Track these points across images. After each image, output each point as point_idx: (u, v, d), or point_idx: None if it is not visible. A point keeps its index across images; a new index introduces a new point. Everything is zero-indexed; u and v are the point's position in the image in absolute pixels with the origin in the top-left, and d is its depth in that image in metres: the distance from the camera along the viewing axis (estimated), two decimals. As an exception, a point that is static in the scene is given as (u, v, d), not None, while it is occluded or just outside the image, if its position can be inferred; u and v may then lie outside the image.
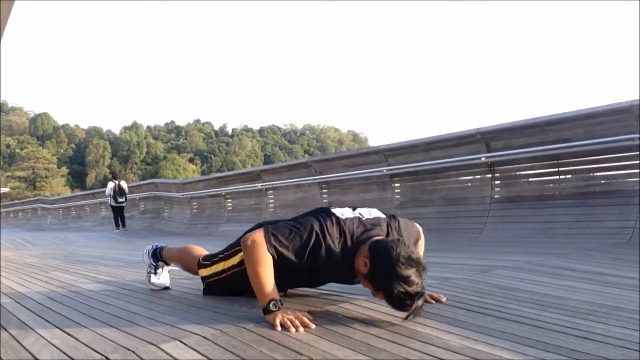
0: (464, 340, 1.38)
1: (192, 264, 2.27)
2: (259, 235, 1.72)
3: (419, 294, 1.56)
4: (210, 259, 2.17)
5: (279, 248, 1.71)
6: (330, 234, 1.71)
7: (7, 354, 1.44)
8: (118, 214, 11.16)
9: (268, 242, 1.71)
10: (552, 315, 1.62)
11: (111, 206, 11.23)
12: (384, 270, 1.58)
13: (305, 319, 1.58)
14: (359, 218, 1.80)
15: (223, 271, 2.09)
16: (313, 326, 1.56)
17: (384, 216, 1.89)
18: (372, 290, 1.67)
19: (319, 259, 1.71)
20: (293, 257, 1.72)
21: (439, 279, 2.33)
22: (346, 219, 1.77)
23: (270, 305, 1.64)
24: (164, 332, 1.58)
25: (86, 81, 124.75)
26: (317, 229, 1.71)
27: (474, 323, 1.56)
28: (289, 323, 1.56)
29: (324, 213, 1.80)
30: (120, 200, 11.01)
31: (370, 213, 1.86)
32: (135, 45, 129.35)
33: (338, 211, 1.81)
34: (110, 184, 11.14)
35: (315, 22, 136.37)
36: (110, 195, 11.03)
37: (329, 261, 1.71)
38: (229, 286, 2.10)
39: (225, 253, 2.10)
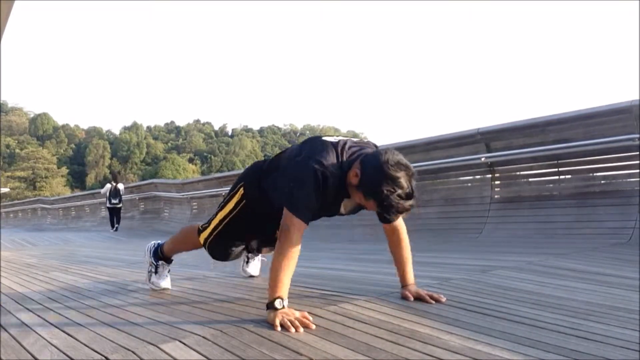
0: (464, 340, 1.38)
1: (193, 238, 2.23)
2: (297, 223, 1.70)
3: (408, 195, 1.60)
4: (208, 220, 2.17)
5: (308, 212, 1.72)
6: (329, 160, 1.72)
7: (7, 354, 1.44)
8: (114, 214, 11.36)
9: (297, 213, 1.70)
10: (552, 316, 1.62)
11: (107, 207, 11.46)
12: (373, 175, 1.62)
13: (305, 319, 1.58)
14: (350, 139, 1.84)
15: (221, 221, 2.10)
16: (313, 326, 1.56)
17: (372, 142, 1.93)
18: (363, 200, 1.69)
19: (328, 189, 1.73)
20: (318, 205, 1.74)
21: (439, 279, 2.33)
22: (339, 140, 1.81)
23: (276, 302, 1.64)
24: (164, 332, 1.58)
25: (86, 81, 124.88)
26: (320, 171, 1.69)
27: (474, 323, 1.56)
28: (288, 323, 1.56)
29: (317, 143, 1.81)
30: (114, 201, 11.24)
31: (359, 140, 1.90)
32: (135, 45, 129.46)
33: (329, 138, 1.83)
34: (108, 185, 11.41)
35: (315, 22, 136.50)
36: (106, 195, 11.27)
37: (333, 185, 1.72)
38: (231, 234, 2.10)
39: (221, 204, 2.13)
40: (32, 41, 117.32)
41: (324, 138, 1.84)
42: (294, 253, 1.71)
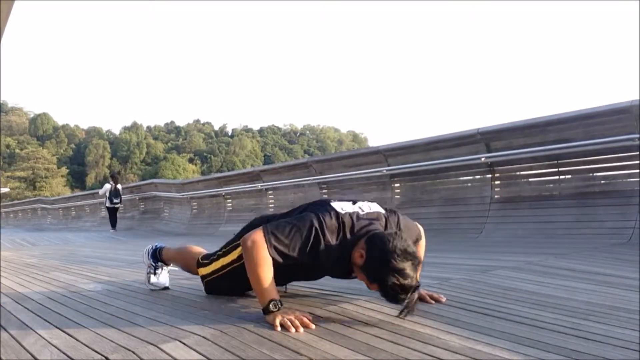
0: (464, 340, 1.38)
1: (191, 264, 2.27)
2: (258, 236, 1.71)
3: (413, 288, 1.56)
4: (209, 258, 2.17)
5: (280, 247, 1.70)
6: (330, 228, 1.71)
7: (7, 354, 1.44)
8: (114, 214, 11.40)
9: (268, 242, 1.70)
10: (552, 316, 1.62)
11: (107, 207, 11.46)
12: (379, 261, 1.59)
13: (305, 319, 1.58)
14: (357, 212, 1.79)
15: (222, 268, 2.09)
16: (313, 326, 1.56)
17: (383, 211, 1.89)
18: (367, 283, 1.68)
19: (318, 254, 1.71)
20: (294, 255, 1.71)
21: (439, 279, 2.33)
22: (345, 213, 1.77)
23: (270, 305, 1.64)
24: (164, 332, 1.57)
25: (86, 81, 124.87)
26: (317, 225, 1.70)
27: (474, 323, 1.56)
28: (288, 323, 1.56)
29: (323, 207, 1.79)
30: (115, 201, 11.28)
31: (370, 207, 1.86)
32: (135, 45, 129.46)
33: (337, 205, 1.80)
34: (107, 186, 11.41)
35: (315, 22, 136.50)
36: (106, 196, 11.27)
37: (327, 255, 1.72)
38: (230, 283, 2.10)
39: (224, 250, 2.11)
40: (32, 41, 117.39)
41: (332, 204, 1.81)
42: (260, 258, 1.68)
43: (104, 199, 11.46)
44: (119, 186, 11.52)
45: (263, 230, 1.73)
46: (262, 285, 1.67)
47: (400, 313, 1.58)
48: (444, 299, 1.86)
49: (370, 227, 1.74)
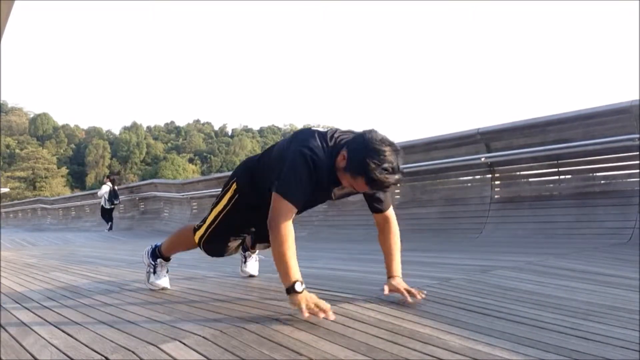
0: (464, 340, 1.38)
1: (188, 237, 2.25)
2: (278, 203, 1.72)
3: (394, 169, 1.62)
4: (203, 219, 2.19)
5: (297, 196, 1.73)
6: (317, 146, 1.74)
7: (7, 354, 1.44)
8: (109, 214, 11.65)
9: (287, 196, 1.71)
10: (552, 316, 1.62)
11: (105, 208, 11.70)
12: (359, 152, 1.64)
13: (327, 307, 1.61)
14: (338, 129, 1.86)
15: (215, 217, 2.11)
16: (333, 317, 1.58)
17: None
18: (352, 182, 1.70)
19: (318, 176, 1.75)
20: (309, 190, 1.75)
21: (439, 279, 2.33)
22: (327, 130, 1.84)
23: (296, 286, 1.65)
24: (164, 332, 1.57)
25: (86, 81, 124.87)
26: (310, 156, 1.72)
27: (474, 323, 1.56)
28: (316, 309, 1.59)
29: (306, 133, 1.84)
30: (116, 202, 11.61)
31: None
32: (135, 45, 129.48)
33: (318, 128, 1.87)
34: (106, 187, 11.66)
35: (315, 22, 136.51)
36: (105, 197, 11.51)
37: (323, 171, 1.74)
38: (226, 230, 2.12)
39: (214, 201, 2.15)
40: (32, 41, 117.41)
41: (312, 128, 1.87)
42: (289, 236, 1.70)
43: (102, 199, 11.62)
44: (116, 187, 11.80)
45: (277, 193, 1.73)
46: (287, 265, 1.68)
47: (378, 188, 1.67)
48: (420, 296, 1.82)
49: (348, 138, 1.79)
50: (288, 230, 1.70)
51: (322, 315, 1.57)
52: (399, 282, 1.89)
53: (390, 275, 1.92)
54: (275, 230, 1.71)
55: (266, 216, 1.79)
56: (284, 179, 1.75)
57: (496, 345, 1.34)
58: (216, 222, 2.12)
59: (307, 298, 1.63)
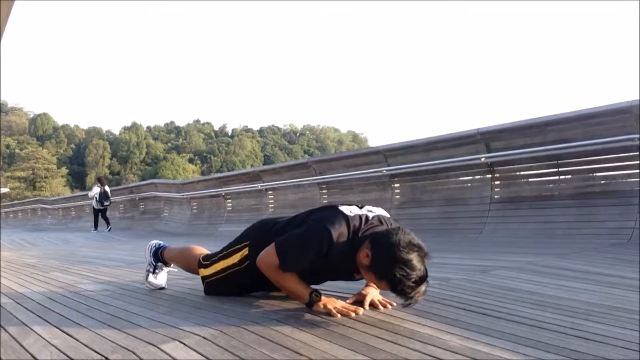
0: (464, 341, 1.38)
1: (192, 264, 2.27)
2: (272, 261, 1.77)
3: (421, 279, 1.57)
4: (210, 259, 2.17)
5: (293, 267, 1.77)
6: (341, 234, 1.70)
7: (7, 354, 1.44)
8: (102, 215, 11.84)
9: (283, 265, 1.75)
10: (552, 316, 1.62)
11: (96, 209, 11.90)
12: (385, 257, 1.59)
13: (352, 307, 1.69)
14: (366, 215, 1.80)
15: (223, 270, 2.10)
16: (353, 314, 1.66)
17: (388, 215, 1.90)
18: (376, 282, 1.69)
19: (329, 260, 1.73)
20: (307, 266, 1.76)
21: (439, 279, 2.33)
22: (354, 215, 1.77)
23: (312, 297, 1.72)
24: (164, 332, 1.57)
25: (86, 81, 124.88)
26: (327, 234, 1.69)
27: (474, 323, 1.56)
28: (345, 310, 1.66)
29: (332, 212, 1.79)
30: (106, 203, 11.80)
31: (375, 211, 1.87)
32: (135, 45, 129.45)
33: (346, 209, 1.80)
34: (96, 189, 11.86)
35: (315, 22, 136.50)
36: (96, 198, 11.72)
37: (337, 260, 1.73)
38: (230, 285, 2.11)
39: (225, 252, 2.11)
40: (32, 41, 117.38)
41: (340, 208, 1.81)
42: (280, 277, 1.80)
43: (93, 201, 11.86)
44: (107, 188, 11.98)
45: (276, 252, 1.76)
46: (295, 291, 1.79)
47: (407, 303, 1.60)
48: (390, 306, 1.80)
49: (376, 229, 1.74)
50: (281, 274, 1.78)
51: (352, 314, 1.64)
52: (371, 293, 1.83)
53: (366, 284, 1.89)
54: (269, 274, 1.81)
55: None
56: (291, 240, 1.78)
57: (496, 345, 1.34)
58: (222, 274, 2.11)
59: (329, 302, 1.70)
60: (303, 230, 1.78)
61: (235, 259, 2.05)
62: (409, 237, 1.60)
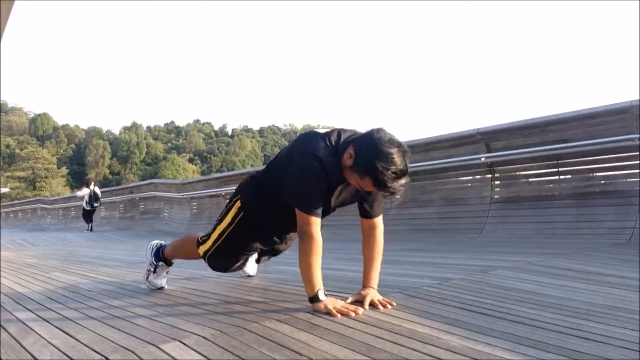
0: (464, 340, 1.38)
1: (191, 249, 2.25)
2: (302, 217, 1.76)
3: (402, 171, 1.63)
4: (207, 234, 2.18)
5: (316, 205, 1.75)
6: (324, 150, 1.74)
7: (7, 354, 1.44)
8: (89, 216, 12.05)
9: (309, 210, 1.74)
10: (552, 316, 1.62)
11: (85, 210, 12.10)
12: (366, 152, 1.64)
13: (352, 307, 1.70)
14: (341, 129, 1.85)
15: (220, 235, 2.11)
16: (353, 314, 1.66)
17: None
18: (359, 182, 1.70)
19: (330, 178, 1.76)
20: (322, 196, 1.77)
21: (439, 279, 2.33)
22: (329, 131, 1.84)
23: (319, 294, 1.74)
24: (164, 332, 1.58)
25: (86, 81, 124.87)
26: (315, 158, 1.72)
27: (474, 323, 1.56)
28: (345, 310, 1.67)
29: (308, 138, 1.83)
30: (95, 204, 12.04)
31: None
32: (135, 45, 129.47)
33: (320, 130, 1.86)
34: (86, 190, 12.06)
35: (315, 22, 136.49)
36: (86, 200, 11.94)
37: (333, 174, 1.75)
38: (231, 248, 2.11)
39: (219, 218, 2.14)
40: (32, 41, 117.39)
41: (314, 131, 1.86)
42: (317, 249, 1.76)
43: (83, 202, 12.07)
44: (97, 189, 12.24)
45: (298, 209, 1.77)
46: (312, 275, 1.76)
47: (387, 196, 1.66)
48: (390, 306, 1.79)
49: (355, 136, 1.79)
50: (317, 241, 1.76)
51: (352, 314, 1.65)
52: (371, 293, 1.83)
53: (365, 285, 1.89)
54: (306, 241, 1.76)
55: (273, 233, 1.92)
56: (300, 194, 1.78)
57: (496, 345, 1.34)
58: (222, 238, 2.11)
59: (329, 302, 1.71)
60: (298, 173, 1.78)
61: (228, 218, 2.08)
62: (390, 135, 1.67)
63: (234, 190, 2.18)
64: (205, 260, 2.19)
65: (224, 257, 2.16)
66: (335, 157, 1.74)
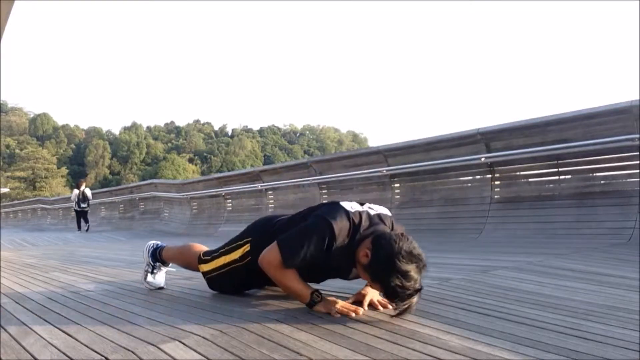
0: (464, 341, 1.38)
1: (191, 261, 2.27)
2: (274, 258, 1.76)
3: (416, 290, 1.57)
4: (211, 254, 2.18)
5: (296, 262, 1.75)
6: (342, 228, 1.71)
7: (7, 354, 1.44)
8: (81, 217, 12.37)
9: (286, 260, 1.75)
10: (552, 316, 1.62)
11: (75, 210, 12.49)
12: (383, 262, 1.59)
13: (352, 306, 1.70)
14: (367, 211, 1.80)
15: (224, 266, 2.11)
16: (353, 315, 1.66)
17: (390, 214, 1.90)
18: (370, 282, 1.70)
19: (329, 255, 1.73)
20: (309, 260, 1.74)
21: (439, 279, 2.33)
22: (355, 211, 1.77)
23: (313, 297, 1.74)
24: (164, 332, 1.57)
25: (86, 81, 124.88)
26: (329, 227, 1.70)
27: (474, 323, 1.56)
28: (345, 310, 1.66)
29: (334, 207, 1.79)
30: (82, 205, 12.33)
31: (377, 209, 1.87)
32: (135, 45, 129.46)
33: (347, 204, 1.81)
34: (75, 191, 12.46)
35: (315, 22, 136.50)
36: (75, 201, 12.33)
37: (337, 255, 1.73)
38: (231, 280, 2.12)
39: (226, 248, 2.12)
40: (32, 41, 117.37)
41: (342, 203, 1.81)
42: (282, 276, 1.79)
43: (73, 203, 12.41)
44: (87, 191, 12.52)
45: (279, 249, 1.76)
46: (296, 290, 1.79)
47: (398, 314, 1.61)
48: (390, 306, 1.77)
49: (377, 227, 1.74)
50: (284, 272, 1.77)
51: (352, 314, 1.65)
52: (370, 293, 1.82)
53: (365, 285, 1.88)
54: (270, 272, 1.80)
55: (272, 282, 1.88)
56: (293, 235, 1.77)
57: (496, 345, 1.34)
58: (224, 270, 2.11)
59: (329, 302, 1.71)
60: (305, 226, 1.78)
61: (236, 254, 2.06)
62: (411, 247, 1.59)
63: (248, 227, 2.14)
64: (204, 278, 2.22)
65: (224, 285, 2.18)
66: (350, 242, 1.71)
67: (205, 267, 2.18)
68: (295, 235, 1.77)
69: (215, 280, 2.17)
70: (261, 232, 2.05)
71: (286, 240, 1.77)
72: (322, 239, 1.70)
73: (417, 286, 1.57)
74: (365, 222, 1.74)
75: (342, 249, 1.72)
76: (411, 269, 1.55)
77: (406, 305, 1.58)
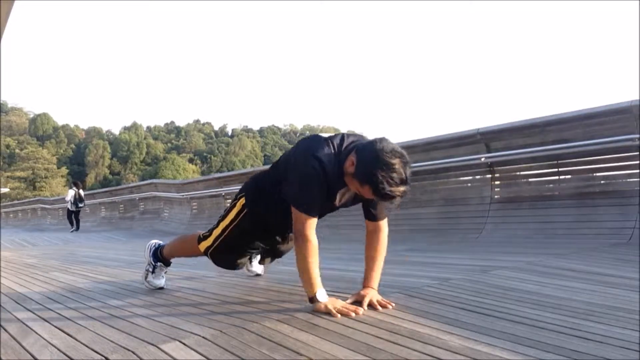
0: (464, 340, 1.38)
1: (192, 246, 2.26)
2: (297, 215, 1.76)
3: (402, 180, 1.63)
4: (209, 230, 2.20)
5: (310, 205, 1.76)
6: (326, 154, 1.74)
7: (7, 354, 1.44)
8: (75, 217, 12.59)
9: (299, 206, 1.76)
10: (552, 316, 1.62)
11: (70, 210, 12.66)
12: (369, 160, 1.64)
13: (353, 307, 1.70)
14: (344, 134, 1.87)
15: (223, 231, 2.13)
16: (353, 314, 1.67)
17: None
18: (359, 189, 1.71)
19: (329, 182, 1.76)
20: (320, 199, 1.78)
21: (439, 279, 2.33)
22: (335, 135, 1.84)
23: (319, 295, 1.74)
24: (164, 332, 1.58)
25: (86, 81, 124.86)
26: (316, 160, 1.73)
27: (474, 323, 1.56)
28: (345, 310, 1.68)
29: (311, 141, 1.84)
30: (80, 205, 12.64)
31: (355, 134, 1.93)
32: (135, 45, 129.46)
33: (324, 134, 1.86)
34: (71, 192, 12.69)
35: (315, 22, 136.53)
36: (71, 201, 12.54)
37: (333, 177, 1.75)
38: (233, 243, 2.13)
39: (222, 215, 2.16)
40: (32, 41, 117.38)
41: (318, 134, 1.87)
42: (313, 250, 1.78)
43: (69, 203, 12.56)
44: (82, 192, 12.83)
45: (300, 212, 1.77)
46: (310, 276, 1.77)
47: (387, 200, 1.66)
48: (390, 306, 1.79)
49: (357, 142, 1.79)
50: (312, 242, 1.77)
51: (352, 314, 1.66)
52: (370, 293, 1.83)
53: (365, 285, 1.89)
54: (300, 242, 1.78)
55: (275, 231, 1.93)
56: (297, 193, 1.78)
57: (496, 345, 1.34)
58: (223, 235, 2.13)
59: (331, 302, 1.72)
60: (299, 176, 1.79)
61: (232, 215, 2.10)
62: (392, 145, 1.67)
63: (238, 190, 2.19)
64: (208, 256, 2.21)
65: (227, 252, 2.17)
66: (337, 162, 1.74)
67: (206, 243, 2.18)
68: (296, 187, 1.79)
69: (217, 251, 2.16)
70: (251, 182, 2.14)
71: (293, 196, 1.79)
72: (317, 175, 1.72)
73: (404, 177, 1.63)
74: (346, 141, 1.80)
75: (335, 173, 1.74)
76: (396, 162, 1.62)
77: (395, 193, 1.62)
